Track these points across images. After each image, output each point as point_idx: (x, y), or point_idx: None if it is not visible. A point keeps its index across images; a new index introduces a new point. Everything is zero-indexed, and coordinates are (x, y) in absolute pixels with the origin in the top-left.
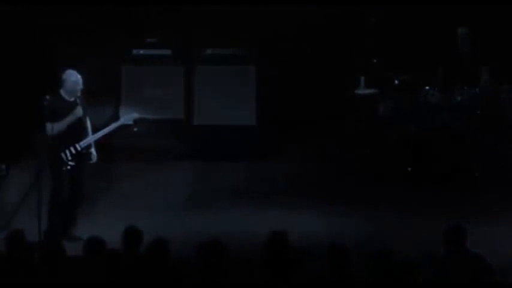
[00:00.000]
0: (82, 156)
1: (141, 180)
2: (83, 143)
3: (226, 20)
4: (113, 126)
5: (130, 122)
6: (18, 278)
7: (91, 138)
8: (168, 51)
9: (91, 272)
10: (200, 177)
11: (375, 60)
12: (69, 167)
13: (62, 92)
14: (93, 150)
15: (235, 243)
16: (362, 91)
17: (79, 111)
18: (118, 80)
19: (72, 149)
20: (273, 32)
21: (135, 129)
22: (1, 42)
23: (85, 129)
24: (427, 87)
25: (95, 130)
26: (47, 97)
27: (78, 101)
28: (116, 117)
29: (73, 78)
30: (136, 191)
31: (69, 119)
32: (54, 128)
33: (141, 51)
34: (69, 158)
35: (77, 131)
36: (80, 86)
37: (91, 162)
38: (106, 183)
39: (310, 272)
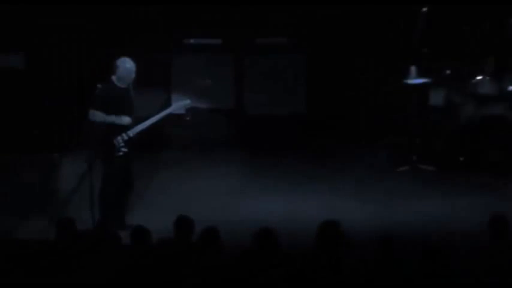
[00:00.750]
0: (132, 143)
1: (191, 169)
2: (134, 130)
3: (277, 9)
4: (164, 113)
5: (182, 111)
6: (67, 266)
7: (142, 125)
8: (218, 41)
9: (141, 261)
10: (250, 167)
11: (425, 50)
12: (121, 153)
13: (114, 79)
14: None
15: (285, 232)
16: (413, 81)
17: (126, 119)
18: (169, 69)
19: (124, 135)
20: (324, 21)
21: (187, 118)
22: (57, 29)
23: (135, 116)
24: (478, 77)
25: (146, 119)
26: (99, 85)
27: (130, 87)
28: (168, 106)
29: (127, 65)
30: (186, 179)
31: (115, 120)
32: (100, 118)
33: (192, 41)
34: (121, 144)
35: (128, 116)
36: (133, 73)
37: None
38: (157, 171)
39: (362, 260)
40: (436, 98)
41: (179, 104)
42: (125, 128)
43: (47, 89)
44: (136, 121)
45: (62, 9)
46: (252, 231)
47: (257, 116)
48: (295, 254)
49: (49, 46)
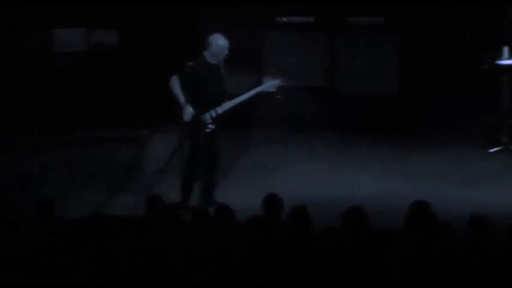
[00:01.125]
0: (220, 120)
1: (281, 148)
2: (223, 107)
3: None
4: (254, 91)
5: (273, 89)
6: (156, 242)
7: (231, 102)
8: (311, 19)
9: (226, 238)
10: (340, 145)
11: None
12: (208, 130)
13: (207, 54)
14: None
15: (375, 212)
16: (505, 61)
17: (188, 111)
18: (260, 47)
19: (212, 112)
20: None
21: (278, 96)
22: (147, 6)
23: (225, 93)
24: None
25: (235, 96)
26: (190, 63)
27: (221, 64)
28: (259, 84)
29: (220, 41)
30: (276, 158)
31: (181, 104)
32: (174, 88)
33: (284, 19)
34: (209, 121)
35: (217, 95)
36: (226, 50)
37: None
38: (246, 149)
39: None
40: None
41: (269, 83)
42: (214, 105)
43: (139, 66)
44: (226, 98)
45: None
46: (341, 210)
47: (348, 95)
48: (384, 234)
49: (141, 23)
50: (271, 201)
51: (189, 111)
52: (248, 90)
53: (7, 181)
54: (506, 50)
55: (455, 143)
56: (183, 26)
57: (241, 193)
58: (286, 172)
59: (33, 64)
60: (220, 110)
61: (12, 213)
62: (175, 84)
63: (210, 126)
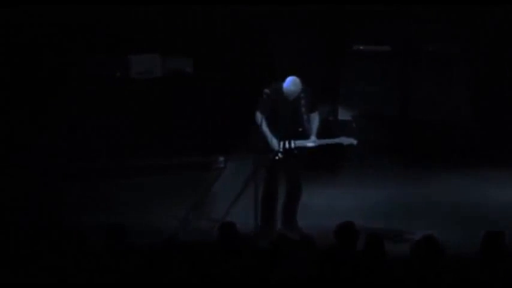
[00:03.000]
0: (294, 153)
1: (352, 175)
2: (299, 143)
3: (445, 17)
4: (332, 141)
5: (352, 142)
6: (228, 268)
7: (307, 142)
8: (387, 48)
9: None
10: (412, 174)
11: None
12: (277, 158)
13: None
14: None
15: (449, 243)
16: None
17: (274, 144)
18: (336, 75)
19: (286, 142)
20: (490, 30)
21: (354, 124)
22: (223, 34)
23: (301, 124)
24: None
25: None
26: (266, 90)
27: (301, 98)
28: (334, 113)
29: (290, 89)
30: (346, 186)
31: (268, 138)
32: (260, 123)
33: (361, 47)
34: (280, 149)
35: (291, 125)
36: (296, 94)
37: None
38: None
39: None
40: None
41: (347, 140)
42: (288, 134)
43: (214, 93)
44: (303, 129)
45: (226, 14)
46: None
47: (422, 121)
48: (459, 263)
49: (215, 49)
50: (346, 230)
51: (274, 144)
52: (324, 120)
53: (79, 205)
54: None
55: None
56: (257, 52)
57: (318, 220)
58: (357, 200)
59: (109, 88)
60: (294, 144)
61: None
62: (258, 118)
63: (280, 155)
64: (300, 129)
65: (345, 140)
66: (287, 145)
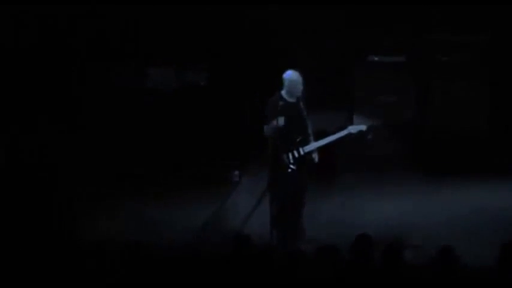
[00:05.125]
0: (304, 160)
1: (370, 187)
2: (308, 147)
3: (462, 21)
4: (340, 134)
5: (363, 129)
6: (241, 280)
7: (316, 143)
8: (402, 58)
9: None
10: (430, 185)
11: None
12: (290, 170)
13: (284, 94)
14: (315, 154)
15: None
16: None
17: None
18: (351, 85)
19: (295, 152)
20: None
21: (369, 137)
22: (236, 47)
23: (307, 132)
24: None
25: (324, 135)
26: (270, 99)
27: (300, 102)
28: (349, 123)
29: (293, 77)
30: (364, 198)
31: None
32: (268, 131)
33: (376, 58)
34: (291, 161)
35: (298, 134)
36: (300, 85)
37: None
38: (335, 189)
39: None
40: None
41: (356, 127)
42: (297, 144)
43: (228, 106)
44: (310, 137)
45: (239, 27)
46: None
47: (438, 133)
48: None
49: (231, 63)
50: (363, 241)
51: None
52: (335, 131)
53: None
54: None
55: None
56: (272, 64)
57: (332, 231)
58: (376, 212)
59: (124, 99)
60: (303, 150)
61: None
62: (265, 129)
63: (292, 166)
64: (307, 135)
65: (353, 129)
66: (296, 154)
